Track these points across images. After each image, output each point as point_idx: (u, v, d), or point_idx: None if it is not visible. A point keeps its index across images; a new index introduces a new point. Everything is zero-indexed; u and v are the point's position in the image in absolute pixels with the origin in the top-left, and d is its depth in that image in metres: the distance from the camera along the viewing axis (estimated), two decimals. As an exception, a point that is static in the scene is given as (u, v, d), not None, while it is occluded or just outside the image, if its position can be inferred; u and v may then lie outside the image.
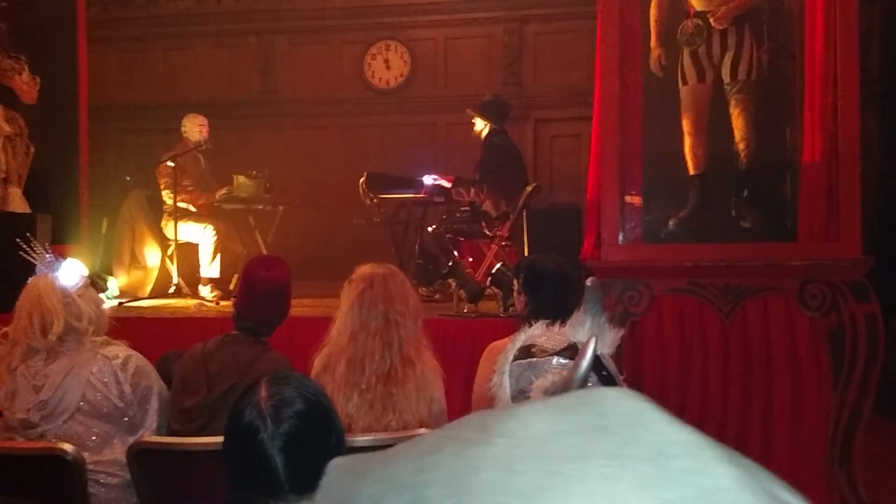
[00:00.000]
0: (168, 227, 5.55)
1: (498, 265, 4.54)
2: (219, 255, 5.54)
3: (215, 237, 5.53)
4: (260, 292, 2.63)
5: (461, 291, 4.54)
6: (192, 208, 5.69)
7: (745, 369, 3.62)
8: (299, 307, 3.72)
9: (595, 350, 1.05)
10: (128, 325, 2.71)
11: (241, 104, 7.86)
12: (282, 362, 2.51)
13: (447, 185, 5.56)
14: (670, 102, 4.00)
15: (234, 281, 5.30)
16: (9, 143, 4.84)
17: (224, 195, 5.77)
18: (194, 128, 5.78)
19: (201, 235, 5.56)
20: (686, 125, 4.00)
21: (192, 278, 5.54)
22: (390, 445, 0.46)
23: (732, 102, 3.94)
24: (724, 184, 4.00)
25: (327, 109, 7.89)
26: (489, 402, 1.39)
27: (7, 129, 4.82)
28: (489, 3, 7.68)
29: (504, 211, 5.42)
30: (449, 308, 4.49)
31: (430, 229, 5.54)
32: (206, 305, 5.18)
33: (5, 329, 2.44)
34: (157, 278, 5.72)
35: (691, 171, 3.99)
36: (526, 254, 4.82)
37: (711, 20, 3.93)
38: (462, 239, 5.58)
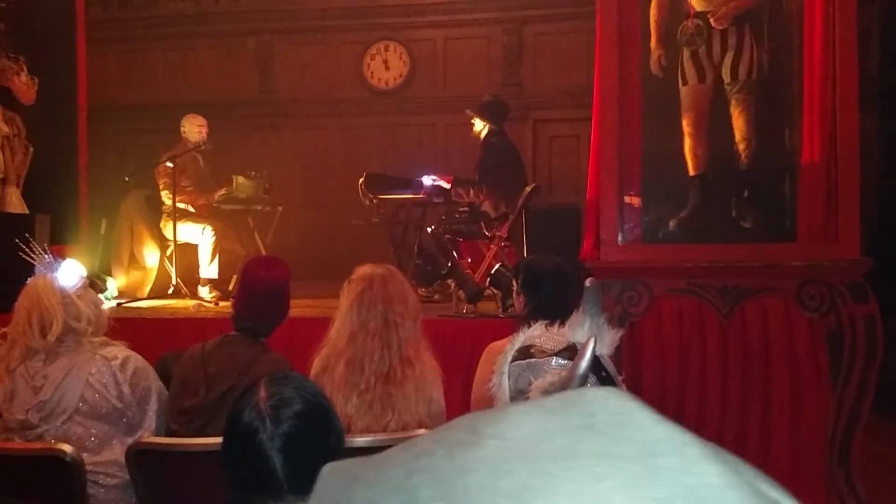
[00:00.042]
0: (167, 228, 5.55)
1: (497, 266, 4.55)
2: (218, 256, 5.54)
3: (214, 238, 5.53)
4: (259, 293, 2.63)
5: (460, 292, 4.55)
6: (191, 209, 5.69)
7: (743, 370, 3.62)
8: (298, 308, 3.72)
9: (594, 350, 1.05)
10: (127, 326, 2.71)
11: (241, 105, 7.86)
12: (281, 363, 2.51)
13: (446, 185, 5.56)
14: (670, 103, 4.00)
15: (233, 281, 5.30)
16: (7, 144, 4.84)
17: (223, 196, 5.77)
18: (193, 128, 5.79)
19: (200, 236, 5.56)
20: (686, 125, 4.00)
21: (190, 279, 5.54)
22: (389, 446, 0.46)
23: (733, 102, 3.95)
24: (724, 184, 4.00)
25: (326, 110, 7.89)
26: (488, 403, 1.39)
27: (5, 129, 4.82)
28: (488, 4, 7.69)
29: (503, 211, 5.42)
30: (448, 308, 4.49)
31: (429, 230, 5.54)
32: (204, 306, 5.18)
33: (4, 330, 2.43)
34: (155, 279, 5.72)
35: (691, 172, 3.99)
36: (525, 254, 4.83)
37: (712, 20, 3.93)
38: (461, 239, 5.59)
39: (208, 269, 5.53)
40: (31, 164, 5.03)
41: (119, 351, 2.45)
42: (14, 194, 4.85)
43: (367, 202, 5.70)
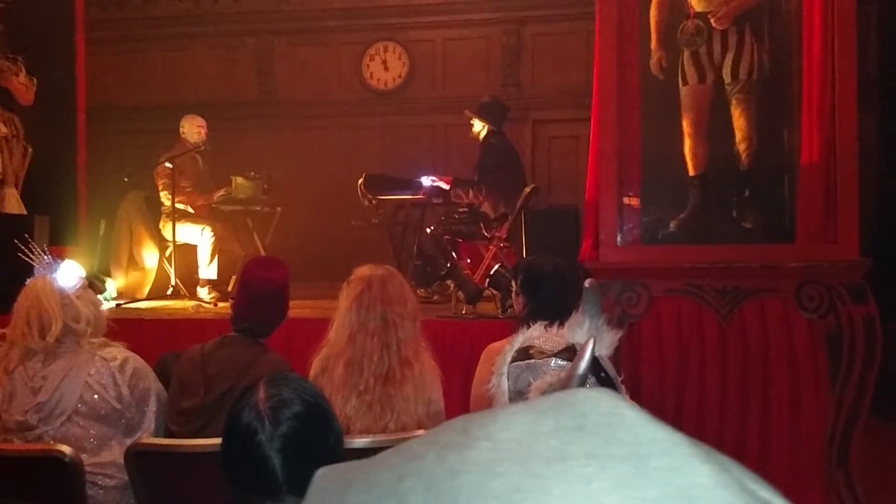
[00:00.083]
0: (166, 229, 5.55)
1: (496, 266, 4.55)
2: (217, 257, 5.54)
3: (213, 238, 5.53)
4: (258, 293, 2.63)
5: (459, 293, 4.55)
6: (191, 209, 5.69)
7: (742, 371, 3.62)
8: (298, 308, 3.72)
9: (593, 351, 1.05)
10: (126, 327, 2.70)
11: (240, 105, 7.86)
12: (280, 363, 2.50)
13: (445, 186, 5.56)
14: (670, 103, 4.01)
15: (232, 282, 5.30)
16: (5, 145, 4.83)
17: (222, 196, 5.77)
18: (193, 129, 5.79)
19: (199, 237, 5.56)
20: (686, 126, 4.00)
21: (190, 279, 5.54)
22: (389, 447, 0.46)
23: (734, 102, 3.95)
24: (724, 184, 4.01)
25: (326, 110, 7.89)
26: (487, 404, 1.39)
27: (4, 130, 4.81)
28: (487, 5, 7.69)
29: (502, 212, 5.43)
30: (447, 309, 4.49)
31: (428, 230, 5.55)
32: (203, 307, 5.18)
33: (3, 331, 2.43)
34: (155, 279, 5.72)
35: (691, 172, 3.99)
36: (524, 255, 4.83)
37: (712, 20, 3.93)
38: (460, 240, 5.59)
39: (207, 269, 5.53)
40: (30, 164, 5.02)
41: (118, 352, 2.45)
42: (12, 195, 4.85)
43: (367, 203, 5.70)
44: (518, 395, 1.25)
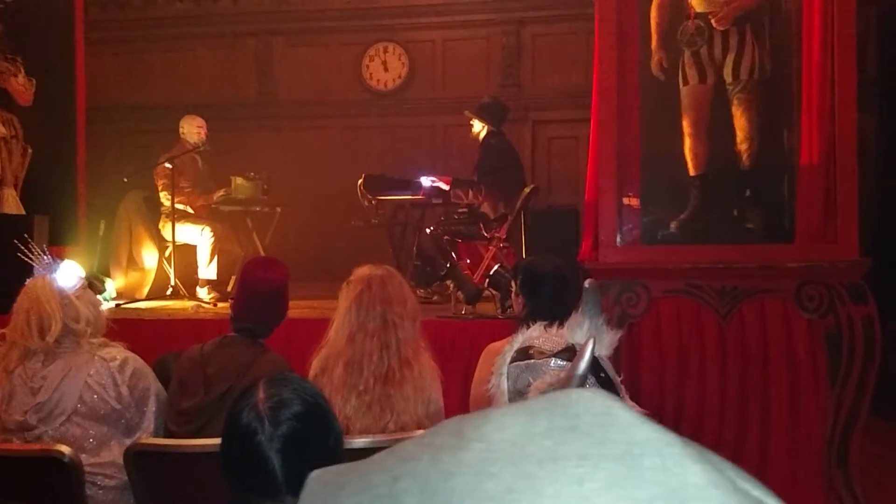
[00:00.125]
0: (166, 229, 5.55)
1: (496, 267, 4.56)
2: (216, 257, 5.54)
3: (213, 239, 5.53)
4: (258, 294, 2.63)
5: (459, 293, 4.55)
6: (190, 210, 5.69)
7: (742, 371, 3.62)
8: (297, 309, 3.72)
9: (593, 352, 1.05)
10: (125, 327, 2.70)
11: (239, 105, 7.86)
12: (280, 364, 2.50)
13: (445, 186, 5.56)
14: (670, 103, 4.01)
15: (231, 282, 5.30)
16: (4, 146, 4.83)
17: (222, 197, 5.77)
18: (192, 129, 5.79)
19: (199, 237, 5.56)
20: (686, 126, 4.00)
21: (189, 280, 5.54)
22: (388, 447, 0.46)
23: (735, 102, 3.95)
24: (725, 184, 4.01)
25: (325, 111, 7.89)
26: (487, 404, 1.39)
27: (3, 131, 4.81)
28: (487, 6, 7.69)
29: (502, 212, 5.43)
30: (447, 309, 4.49)
31: (427, 231, 5.55)
32: (203, 307, 5.18)
33: (2, 331, 2.43)
34: (154, 280, 5.72)
35: (692, 172, 4.00)
36: (524, 255, 4.83)
37: (713, 21, 3.93)
38: (460, 240, 5.59)
39: (207, 270, 5.53)
40: (29, 165, 5.02)
41: (118, 352, 2.45)
42: (11, 196, 4.84)
43: (366, 203, 5.70)
44: (518, 395, 1.25)
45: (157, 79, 8.14)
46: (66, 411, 2.33)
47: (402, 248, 5.83)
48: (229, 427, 1.43)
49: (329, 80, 7.97)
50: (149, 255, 5.79)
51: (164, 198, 5.56)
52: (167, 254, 5.56)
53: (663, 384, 3.67)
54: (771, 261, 3.69)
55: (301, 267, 4.35)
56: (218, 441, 1.48)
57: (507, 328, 3.04)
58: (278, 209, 6.00)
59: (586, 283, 1.30)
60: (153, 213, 5.77)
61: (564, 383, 1.03)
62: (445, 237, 5.45)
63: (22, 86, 4.91)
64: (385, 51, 7.92)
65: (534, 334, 1.31)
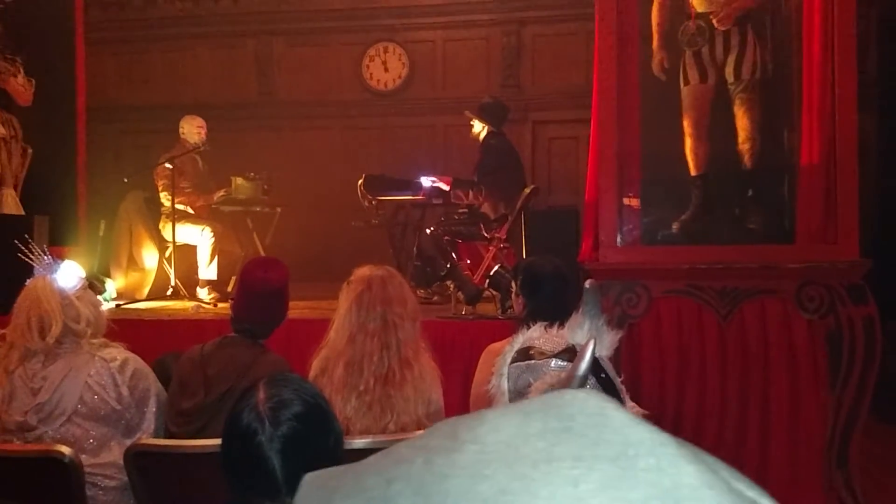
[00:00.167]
0: (166, 229, 5.55)
1: (496, 267, 4.56)
2: (216, 257, 5.54)
3: (213, 239, 5.53)
4: (258, 294, 2.63)
5: (459, 293, 4.55)
6: (190, 210, 5.70)
7: (742, 371, 3.62)
8: (297, 309, 3.73)
9: (594, 352, 1.05)
10: (125, 328, 2.70)
11: (240, 106, 7.86)
12: (280, 364, 2.50)
13: (445, 187, 5.57)
14: (670, 104, 4.01)
15: (231, 283, 5.30)
16: (3, 146, 4.83)
17: (222, 197, 5.77)
18: (192, 129, 5.79)
19: (199, 237, 5.56)
20: (687, 126, 4.00)
21: (189, 280, 5.54)
22: (388, 447, 0.46)
23: (737, 102, 3.95)
24: (726, 184, 4.01)
25: (325, 111, 7.89)
26: (487, 404, 1.39)
27: (2, 131, 4.81)
28: (487, 6, 7.69)
29: (502, 213, 5.43)
30: (447, 310, 4.49)
31: (428, 231, 5.55)
32: (203, 307, 5.18)
33: (3, 331, 2.43)
34: (154, 280, 5.72)
35: (692, 172, 4.00)
36: (524, 256, 4.83)
37: (714, 21, 3.93)
38: (460, 241, 5.59)
39: (207, 270, 5.53)
40: (30, 165, 5.02)
41: (118, 352, 2.45)
42: (10, 196, 4.84)
43: (367, 203, 5.70)
44: (518, 395, 1.25)
45: (157, 79, 8.14)
46: (66, 412, 2.33)
47: (402, 248, 5.83)
48: (230, 427, 1.43)
49: (329, 81, 7.98)
50: (149, 256, 5.79)
51: (165, 198, 5.56)
52: (167, 254, 5.56)
53: (664, 385, 3.67)
54: (771, 261, 3.69)
55: (301, 267, 4.35)
56: (218, 441, 1.48)
57: (508, 329, 3.04)
58: (278, 209, 6.01)
59: (587, 284, 1.30)
60: (153, 213, 5.77)
61: (565, 384, 1.03)
62: (446, 237, 5.45)
63: (21, 86, 4.91)
64: (385, 51, 7.92)
65: (534, 335, 1.31)
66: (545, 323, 1.33)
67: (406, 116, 7.84)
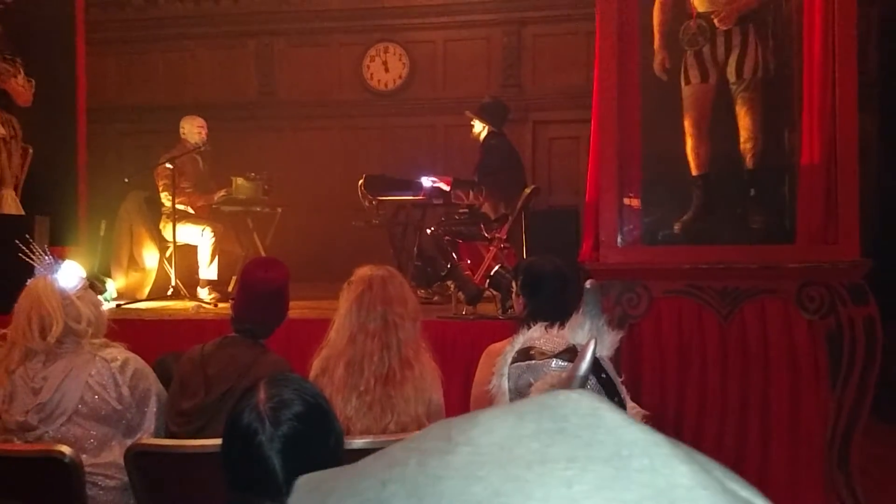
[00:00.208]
0: (166, 229, 5.55)
1: (496, 267, 4.56)
2: (217, 257, 5.55)
3: (213, 239, 5.53)
4: (258, 294, 2.63)
5: (460, 293, 4.55)
6: (191, 210, 5.70)
7: (743, 372, 3.62)
8: (298, 309, 3.73)
9: (595, 352, 1.05)
10: (126, 328, 2.71)
11: (240, 106, 7.86)
12: (280, 364, 2.50)
13: (446, 187, 5.56)
14: (671, 103, 4.01)
15: (232, 283, 5.30)
16: (3, 146, 4.83)
17: (223, 197, 5.77)
18: (193, 129, 5.79)
19: (200, 237, 5.56)
20: (688, 125, 4.00)
21: (190, 280, 5.54)
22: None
23: (739, 101, 3.95)
24: (728, 184, 4.00)
25: (326, 111, 7.89)
26: (488, 404, 1.39)
27: (2, 131, 4.81)
28: (488, 6, 7.69)
29: (503, 213, 5.43)
30: (448, 310, 4.49)
31: (428, 231, 5.55)
32: (204, 307, 5.18)
33: (4, 331, 2.43)
34: (155, 280, 5.72)
35: (694, 172, 4.00)
36: (524, 256, 4.83)
37: (716, 20, 3.93)
38: (461, 241, 5.59)
39: (208, 270, 5.53)
40: (30, 165, 5.02)
41: (118, 353, 2.45)
42: (10, 196, 4.84)
43: (367, 204, 5.70)
44: (519, 395, 1.25)
45: (157, 79, 8.14)
46: (66, 412, 2.33)
47: (402, 248, 5.83)
48: (230, 427, 1.43)
49: (330, 81, 7.98)
50: (149, 256, 5.79)
51: (165, 198, 5.57)
52: (168, 254, 5.56)
53: (664, 385, 3.66)
54: (772, 261, 3.69)
55: (302, 267, 4.36)
56: (218, 441, 1.48)
57: (508, 329, 3.04)
58: (279, 209, 6.01)
59: (587, 284, 1.30)
60: (154, 213, 5.77)
61: (566, 384, 1.03)
62: (446, 238, 5.45)
63: (21, 86, 4.90)
64: (386, 51, 7.92)
65: (535, 335, 1.31)
66: (546, 323, 1.33)
67: (406, 116, 7.84)
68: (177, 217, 5.40)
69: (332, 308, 2.58)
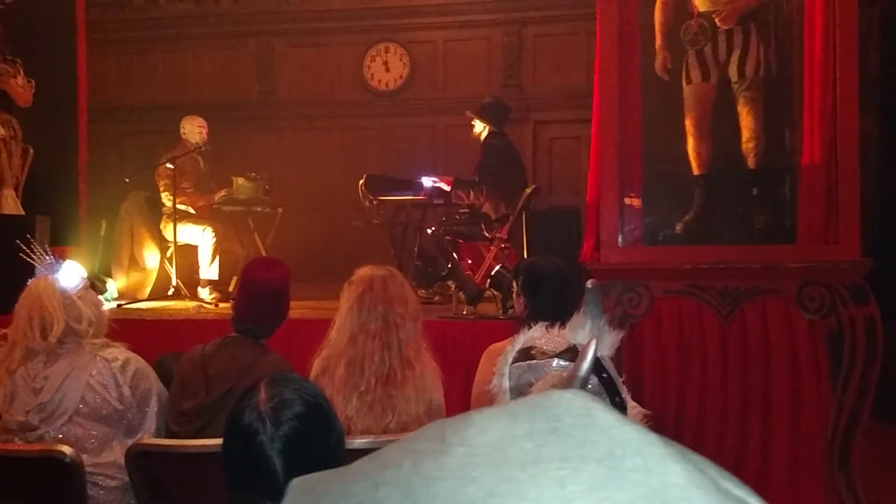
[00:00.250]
0: (167, 229, 5.56)
1: (497, 267, 4.55)
2: (218, 257, 5.55)
3: (214, 239, 5.53)
4: (259, 294, 2.63)
5: (460, 293, 4.55)
6: (192, 210, 5.70)
7: (743, 372, 3.62)
8: (298, 309, 3.73)
9: (595, 352, 1.05)
10: (127, 327, 2.71)
11: (241, 106, 7.86)
12: (281, 364, 2.51)
13: (446, 187, 5.56)
14: (672, 103, 4.00)
15: (233, 283, 5.30)
16: (3, 147, 4.83)
17: (223, 197, 5.77)
18: (193, 130, 5.79)
19: (200, 237, 5.56)
20: (689, 125, 4.00)
21: (191, 280, 5.54)
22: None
23: (741, 101, 3.94)
24: (730, 184, 4.00)
25: (326, 111, 7.89)
26: (488, 404, 1.39)
27: (2, 132, 4.81)
28: (488, 6, 7.68)
29: (503, 213, 5.43)
30: (448, 310, 4.49)
31: (429, 231, 5.55)
32: (204, 307, 5.18)
33: (4, 331, 2.43)
34: (156, 280, 5.72)
35: (695, 172, 3.99)
36: (525, 256, 4.83)
37: (717, 20, 3.93)
38: (461, 241, 5.59)
39: (208, 270, 5.53)
40: (31, 165, 5.02)
41: (119, 352, 2.45)
42: (10, 197, 4.84)
43: (368, 203, 5.70)
44: (519, 395, 1.25)
45: (158, 79, 8.14)
46: (67, 411, 2.33)
47: (403, 248, 5.83)
48: (231, 427, 1.43)
49: (330, 81, 7.98)
50: (150, 256, 5.79)
51: (166, 198, 5.57)
52: (168, 254, 5.56)
53: (665, 385, 3.66)
54: (772, 261, 3.69)
55: (302, 267, 4.36)
56: (219, 441, 1.48)
57: (509, 329, 3.05)
58: (280, 209, 6.01)
59: (588, 284, 1.30)
60: (154, 213, 5.77)
61: (566, 384, 1.03)
62: (447, 237, 5.45)
63: (21, 87, 4.90)
64: (386, 51, 7.92)
65: (535, 335, 1.31)
66: (546, 323, 1.33)
67: (407, 116, 7.84)
68: (177, 217, 5.40)
69: (333, 308, 2.58)
